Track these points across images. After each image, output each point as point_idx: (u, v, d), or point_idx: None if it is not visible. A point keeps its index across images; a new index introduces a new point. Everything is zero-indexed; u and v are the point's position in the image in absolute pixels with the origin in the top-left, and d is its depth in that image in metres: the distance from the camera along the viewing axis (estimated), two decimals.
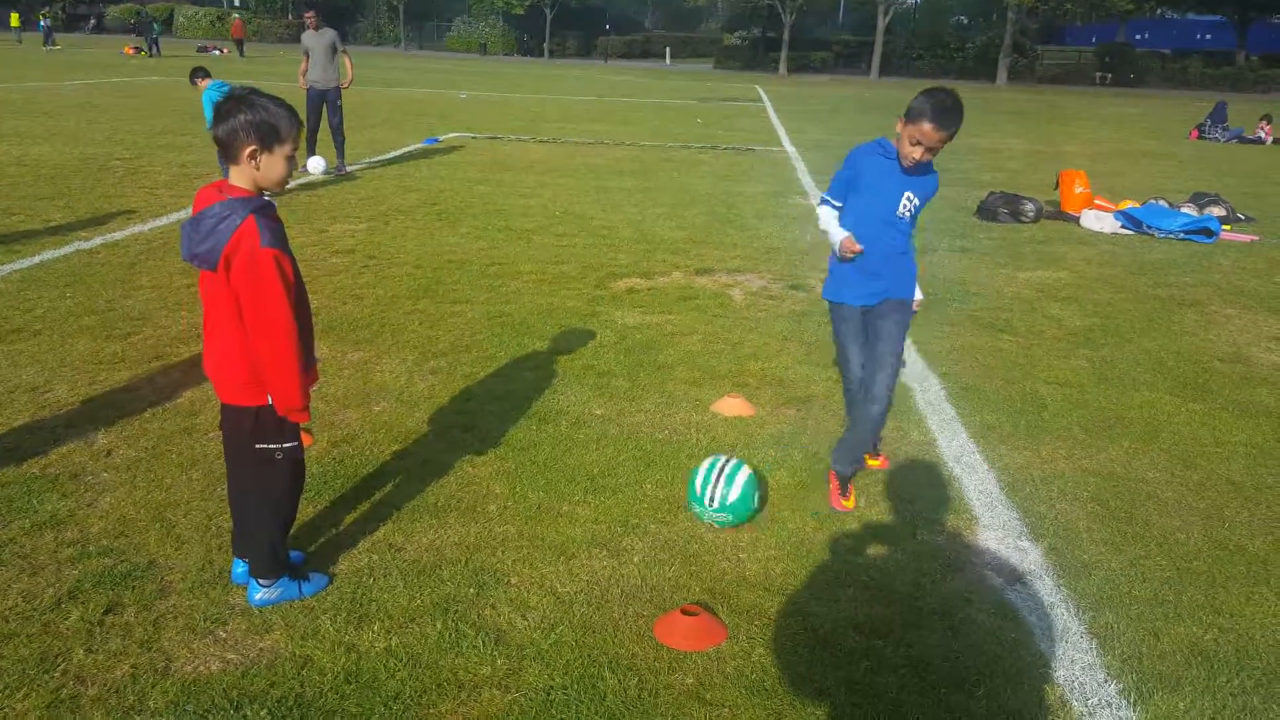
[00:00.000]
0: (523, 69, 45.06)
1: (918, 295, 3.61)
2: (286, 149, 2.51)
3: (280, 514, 2.80)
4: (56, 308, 5.51)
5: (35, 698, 2.36)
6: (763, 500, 3.49)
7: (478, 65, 46.90)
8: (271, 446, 2.67)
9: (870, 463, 3.88)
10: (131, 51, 36.63)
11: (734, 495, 3.28)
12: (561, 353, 5.12)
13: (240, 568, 2.88)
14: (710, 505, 3.30)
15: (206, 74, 9.32)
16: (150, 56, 35.04)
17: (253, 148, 2.45)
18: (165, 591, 2.82)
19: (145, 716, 2.32)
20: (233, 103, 2.46)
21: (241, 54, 41.97)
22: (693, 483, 3.37)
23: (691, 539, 3.27)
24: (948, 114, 3.18)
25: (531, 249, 7.56)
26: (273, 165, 2.49)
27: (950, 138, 3.24)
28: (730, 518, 3.31)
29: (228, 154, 2.49)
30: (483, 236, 7.93)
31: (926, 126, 3.19)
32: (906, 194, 3.42)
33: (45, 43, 41.62)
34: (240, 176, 2.50)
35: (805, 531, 3.35)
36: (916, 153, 3.26)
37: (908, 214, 3.45)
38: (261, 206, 2.48)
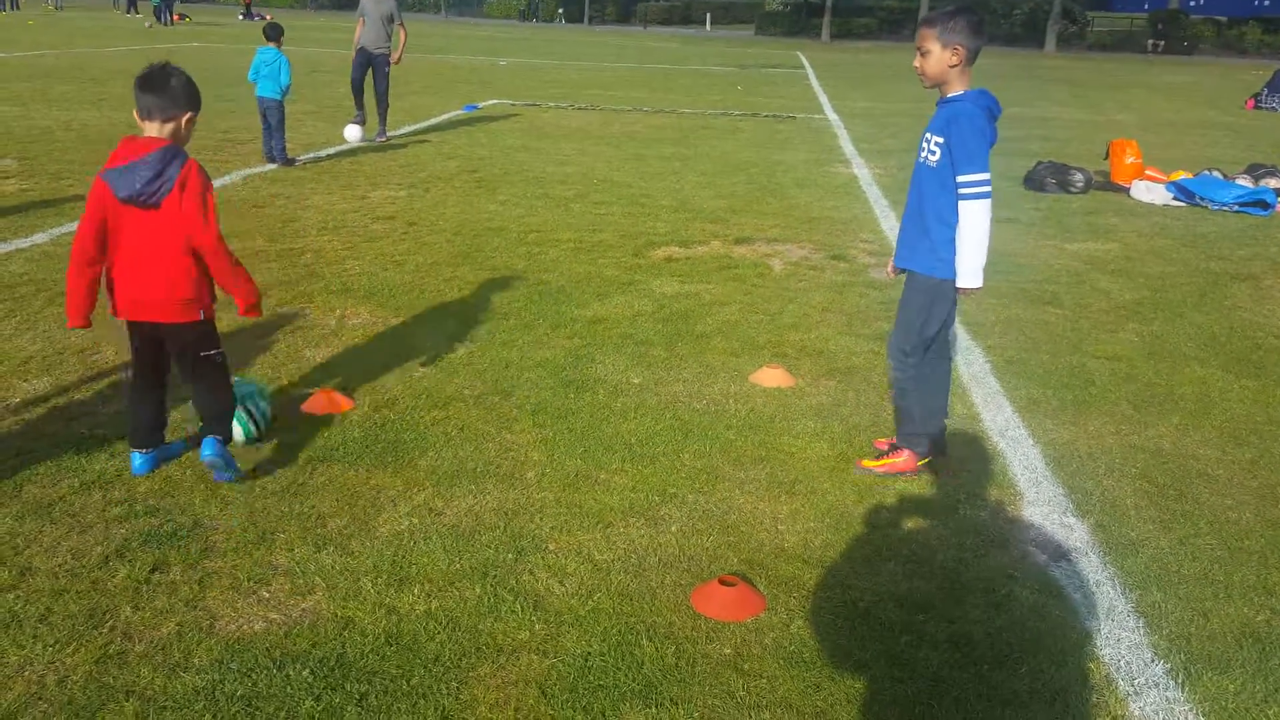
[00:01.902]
0: (561, 35, 44.71)
1: (964, 281, 3.25)
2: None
3: (231, 393, 3.34)
4: None
5: (84, 653, 2.42)
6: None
7: (517, 31, 46.60)
8: (214, 352, 3.20)
9: (866, 464, 3.53)
10: (178, 19, 36.91)
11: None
12: (599, 321, 5.10)
13: (139, 460, 3.25)
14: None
15: (270, 36, 9.08)
16: (161, 25, 35.12)
17: (191, 114, 3.03)
18: (209, 551, 2.87)
19: (190, 674, 2.36)
20: (179, 74, 3.01)
21: (251, 16, 42.19)
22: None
23: (730, 509, 3.25)
24: (933, 12, 3.25)
25: (569, 217, 7.53)
26: (193, 130, 3.11)
27: (933, 34, 3.19)
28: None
29: (165, 112, 2.98)
30: (521, 204, 7.91)
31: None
32: (926, 134, 3.31)
33: (128, 10, 41.94)
34: (167, 133, 2.99)
35: (845, 504, 3.31)
36: (916, 61, 3.28)
37: (929, 158, 3.28)
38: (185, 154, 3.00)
